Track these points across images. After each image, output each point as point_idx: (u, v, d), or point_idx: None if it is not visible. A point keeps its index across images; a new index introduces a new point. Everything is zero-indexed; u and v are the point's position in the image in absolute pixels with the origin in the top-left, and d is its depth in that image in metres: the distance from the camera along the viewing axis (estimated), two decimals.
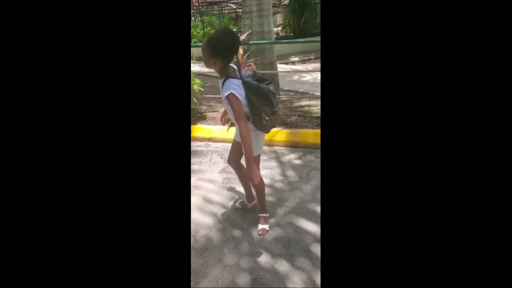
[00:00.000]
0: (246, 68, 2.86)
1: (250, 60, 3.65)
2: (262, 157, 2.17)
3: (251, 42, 3.71)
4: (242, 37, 3.50)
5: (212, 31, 8.58)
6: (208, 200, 2.18)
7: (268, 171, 2.46)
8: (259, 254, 1.66)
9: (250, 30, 3.85)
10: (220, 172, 2.55)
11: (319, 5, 7.87)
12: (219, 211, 2.06)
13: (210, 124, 3.44)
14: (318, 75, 4.93)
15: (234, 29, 6.95)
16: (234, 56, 1.56)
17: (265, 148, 2.56)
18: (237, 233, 1.84)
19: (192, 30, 8.99)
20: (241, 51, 3.11)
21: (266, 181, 2.11)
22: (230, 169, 2.58)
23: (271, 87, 1.59)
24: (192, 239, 1.80)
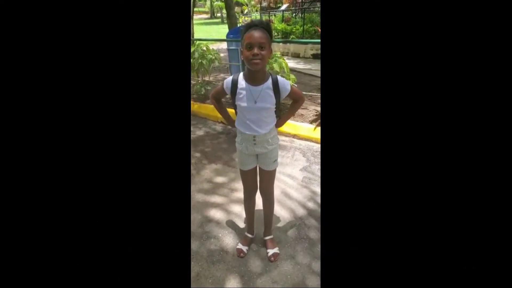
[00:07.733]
0: None
1: None
2: None
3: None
4: None
5: (315, 27, 8.46)
6: (286, 195, 2.20)
7: None
8: None
9: None
10: (301, 170, 2.54)
11: None
12: (297, 208, 2.05)
13: (297, 121, 3.44)
14: None
15: None
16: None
17: None
18: (312, 234, 1.81)
19: (291, 26, 9.06)
20: None
21: None
22: (312, 168, 2.55)
23: None
24: None
